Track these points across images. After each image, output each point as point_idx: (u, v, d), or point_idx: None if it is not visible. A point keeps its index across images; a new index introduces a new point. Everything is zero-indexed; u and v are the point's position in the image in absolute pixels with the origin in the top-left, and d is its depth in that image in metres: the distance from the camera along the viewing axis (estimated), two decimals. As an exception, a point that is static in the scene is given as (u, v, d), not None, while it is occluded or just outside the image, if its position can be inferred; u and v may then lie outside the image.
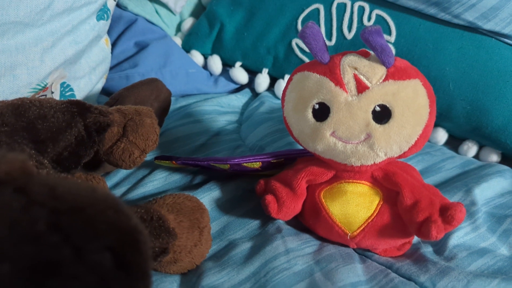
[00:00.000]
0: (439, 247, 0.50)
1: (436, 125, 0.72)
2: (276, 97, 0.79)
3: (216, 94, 0.78)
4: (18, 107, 0.44)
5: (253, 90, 0.81)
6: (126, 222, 0.25)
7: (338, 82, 0.44)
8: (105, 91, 0.69)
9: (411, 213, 0.45)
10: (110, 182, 0.56)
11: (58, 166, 0.44)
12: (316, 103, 0.45)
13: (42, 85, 0.53)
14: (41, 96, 0.54)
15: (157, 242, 0.40)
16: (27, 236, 0.21)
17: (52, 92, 0.55)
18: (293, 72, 0.49)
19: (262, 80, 0.79)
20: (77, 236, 0.22)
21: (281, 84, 0.79)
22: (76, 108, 0.46)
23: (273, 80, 0.80)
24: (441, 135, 0.73)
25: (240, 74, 0.80)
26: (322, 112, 0.45)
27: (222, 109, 0.74)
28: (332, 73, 0.45)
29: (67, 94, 0.57)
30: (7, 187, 0.24)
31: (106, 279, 0.21)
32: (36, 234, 0.21)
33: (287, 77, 0.77)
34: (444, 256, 0.49)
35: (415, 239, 0.51)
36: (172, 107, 0.73)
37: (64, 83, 0.56)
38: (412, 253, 0.50)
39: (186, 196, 0.46)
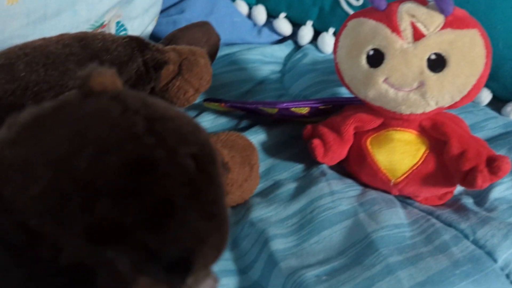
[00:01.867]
0: (480, 199, 0.51)
1: (480, 85, 0.71)
2: (320, 51, 0.79)
3: (259, 45, 0.79)
4: (83, 39, 0.46)
5: (295, 42, 0.81)
6: (204, 136, 0.27)
7: (395, 29, 0.45)
8: (152, 35, 0.70)
9: (457, 162, 0.46)
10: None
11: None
12: (371, 49, 0.46)
13: (100, 22, 0.55)
14: (100, 32, 0.55)
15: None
16: (127, 136, 0.23)
17: (109, 30, 0.56)
18: (347, 18, 0.49)
19: (306, 33, 0.79)
20: (169, 141, 0.24)
21: (324, 37, 0.78)
22: (136, 44, 0.48)
23: (317, 34, 0.80)
24: (485, 95, 0.73)
25: (283, 25, 0.80)
26: (376, 59, 0.46)
27: (266, 59, 0.74)
28: (388, 19, 0.45)
29: (122, 33, 0.58)
30: (102, 95, 0.25)
31: (193, 180, 0.23)
32: (135, 135, 0.23)
33: (331, 30, 0.77)
34: (485, 208, 0.50)
35: (457, 190, 0.52)
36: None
37: (119, 22, 0.58)
38: (453, 203, 0.51)
39: (237, 135, 0.48)
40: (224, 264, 0.41)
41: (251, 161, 0.46)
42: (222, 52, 0.75)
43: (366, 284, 0.36)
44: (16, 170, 0.22)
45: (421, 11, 0.45)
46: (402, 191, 0.50)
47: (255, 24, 0.81)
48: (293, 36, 0.81)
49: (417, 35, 0.44)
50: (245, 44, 0.78)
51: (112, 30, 0.57)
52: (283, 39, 0.82)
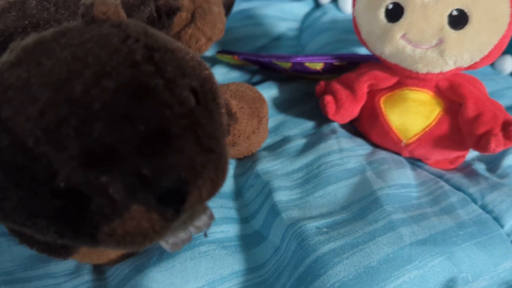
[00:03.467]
0: (493, 165, 0.50)
1: (504, 52, 0.69)
2: (340, 10, 0.76)
3: (278, 1, 0.77)
4: None
5: (315, 1, 0.79)
6: (206, 71, 0.26)
7: (417, -18, 0.43)
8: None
9: (472, 125, 0.45)
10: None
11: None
12: (390, 3, 0.44)
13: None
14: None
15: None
16: (126, 62, 0.22)
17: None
18: (368, -29, 0.47)
19: (327, -9, 0.77)
20: (168, 71, 0.23)
21: (346, -4, 0.76)
22: (149, -12, 0.47)
23: (338, -8, 0.77)
24: (508, 63, 0.70)
25: (304, -17, 0.77)
26: (395, 13, 0.44)
27: (283, 15, 0.73)
28: (411, -28, 0.43)
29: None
30: (104, 22, 0.25)
31: (191, 112, 0.23)
32: (134, 62, 0.23)
33: (353, -11, 0.74)
34: (497, 174, 0.49)
35: (469, 156, 0.51)
36: (233, 9, 0.72)
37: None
38: (464, 168, 0.50)
39: (248, 86, 0.47)
40: (226, 211, 0.41)
41: (260, 114, 0.46)
42: (239, 6, 0.73)
43: (366, 238, 0.35)
44: (15, 91, 0.22)
45: (446, -36, 0.43)
46: (413, 152, 0.49)
47: (275, -20, 0.79)
48: (314, -6, 0.79)
49: (440, -11, 0.42)
50: (263, 0, 0.76)
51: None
52: (303, -3, 0.80)
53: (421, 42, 0.43)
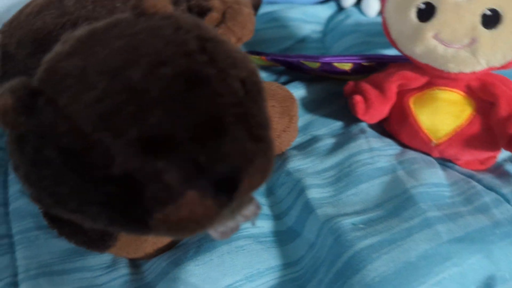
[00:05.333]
0: (525, 166, 0.50)
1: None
2: (363, 14, 0.77)
3: (301, 4, 0.77)
4: None
5: (338, 4, 0.79)
6: (253, 65, 0.27)
7: (449, -18, 0.43)
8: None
9: (504, 125, 0.44)
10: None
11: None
12: (422, 3, 0.44)
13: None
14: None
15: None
16: (180, 52, 0.23)
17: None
18: (399, -29, 0.48)
19: (350, -5, 0.77)
20: (220, 61, 0.24)
21: (369, 0, 0.76)
22: (182, -10, 0.48)
23: (361, -4, 0.77)
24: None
25: (327, -14, 0.78)
26: (427, 12, 0.44)
27: (307, 18, 0.73)
28: (443, -28, 0.43)
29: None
30: (154, 15, 0.25)
31: (242, 102, 0.23)
32: (188, 51, 0.23)
33: (376, -8, 0.75)
34: (529, 175, 0.48)
35: (500, 157, 0.51)
36: (258, 12, 0.73)
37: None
38: (495, 169, 0.49)
39: (278, 85, 0.48)
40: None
41: (290, 112, 0.46)
42: (263, 9, 0.74)
43: (403, 234, 0.35)
44: (72, 79, 0.23)
45: (479, -36, 0.43)
46: (443, 153, 0.49)
47: (298, -16, 0.79)
48: (337, -2, 0.80)
49: (473, -11, 0.42)
50: (287, 3, 0.77)
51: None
52: (325, 1, 0.80)
53: (453, 41, 0.43)
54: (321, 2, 0.80)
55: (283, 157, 0.47)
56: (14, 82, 0.24)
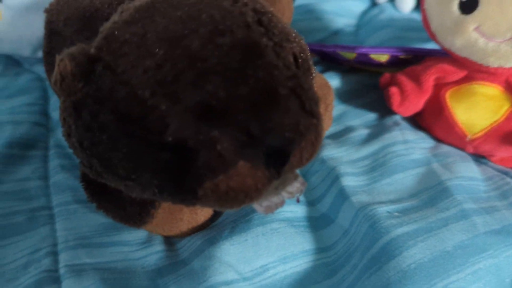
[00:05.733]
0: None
1: None
2: (396, 10, 0.76)
3: (335, -2, 0.77)
4: None
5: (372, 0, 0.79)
6: (303, 41, 0.27)
7: (494, -25, 0.42)
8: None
9: (543, 122, 0.44)
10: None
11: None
12: (465, -5, 0.44)
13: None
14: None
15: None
16: (238, 22, 0.23)
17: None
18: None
19: (384, -10, 0.76)
20: (276, 34, 0.24)
21: (403, -4, 0.75)
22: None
23: (395, -8, 0.77)
24: None
25: (362, -19, 0.78)
26: (469, 5, 0.44)
27: (341, 11, 0.73)
28: (488, -36, 0.43)
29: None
30: None
31: (296, 75, 0.24)
32: (246, 22, 0.23)
33: (411, -12, 0.74)
34: None
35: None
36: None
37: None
38: (531, 167, 0.49)
39: (317, 73, 0.48)
40: (294, 192, 0.41)
41: (326, 100, 0.46)
42: (298, 2, 0.74)
43: (439, 224, 0.35)
44: (131, 46, 0.23)
45: (526, -43, 0.42)
46: (478, 148, 0.48)
47: (332, -23, 0.79)
48: (371, -7, 0.79)
49: (518, -18, 0.42)
50: (321, -4, 0.77)
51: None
52: (359, -5, 0.80)
53: (495, 35, 0.43)
54: (355, -3, 0.80)
55: (317, 145, 0.47)
56: (73, 48, 0.24)
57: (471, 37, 0.44)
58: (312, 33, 0.66)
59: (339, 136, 0.49)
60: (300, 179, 0.27)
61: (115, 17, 0.26)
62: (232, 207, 0.24)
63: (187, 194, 0.24)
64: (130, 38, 0.23)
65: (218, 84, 0.22)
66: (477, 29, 0.43)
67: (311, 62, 0.27)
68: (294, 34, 0.26)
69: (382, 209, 0.37)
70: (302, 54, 0.25)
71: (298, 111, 0.23)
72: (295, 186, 0.26)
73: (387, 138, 0.47)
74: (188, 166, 0.23)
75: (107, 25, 0.25)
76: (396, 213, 0.36)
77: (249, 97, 0.22)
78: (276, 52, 0.23)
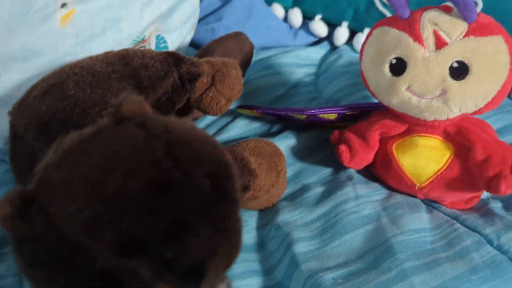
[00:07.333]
0: (509, 203, 0.51)
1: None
2: (355, 51, 0.80)
3: (295, 47, 0.81)
4: (124, 57, 0.50)
5: (331, 43, 0.82)
6: (221, 156, 0.30)
7: (417, 38, 0.46)
8: (192, 43, 0.75)
9: (481, 168, 0.46)
10: (198, 126, 0.62)
11: (156, 111, 0.50)
12: (394, 58, 0.47)
13: (141, 37, 0.60)
14: (141, 47, 0.60)
15: (241, 180, 0.46)
16: (148, 161, 0.27)
17: (150, 44, 0.61)
18: (373, 26, 0.51)
19: (341, 34, 0.80)
20: (186, 164, 0.27)
21: (360, 37, 0.79)
22: (172, 59, 0.52)
23: (352, 34, 0.81)
24: (526, 94, 0.71)
25: (319, 27, 0.81)
26: (399, 67, 0.47)
27: (300, 61, 0.77)
28: (411, 28, 0.46)
29: (161, 45, 0.63)
30: (130, 122, 0.29)
31: (206, 200, 0.27)
32: (156, 160, 0.27)
33: (366, 30, 0.78)
34: (513, 212, 0.50)
35: (484, 194, 0.52)
36: (253, 59, 0.77)
37: (159, 35, 0.62)
38: (480, 207, 0.51)
39: (266, 142, 0.51)
40: (249, 265, 0.44)
41: (278, 167, 0.49)
42: (258, 56, 0.78)
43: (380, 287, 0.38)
44: (59, 190, 0.27)
45: (444, 19, 0.46)
46: (427, 195, 0.51)
47: (291, 27, 0.83)
48: (329, 37, 0.83)
49: (439, 44, 0.45)
50: (282, 47, 0.81)
51: (153, 43, 0.62)
52: (319, 41, 0.84)
53: (425, 93, 0.46)
54: (315, 43, 0.83)
55: (274, 210, 0.50)
56: (12, 191, 0.28)
57: (405, 96, 0.47)
58: (271, 89, 0.69)
59: (295, 196, 0.51)
60: (226, 280, 0.30)
61: (48, 158, 0.29)
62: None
63: None
64: (58, 183, 0.27)
65: (131, 222, 0.25)
66: (408, 88, 0.47)
67: (229, 169, 0.30)
68: (210, 155, 0.29)
69: (328, 277, 0.39)
70: (216, 173, 0.28)
71: (209, 233, 0.26)
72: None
73: (340, 195, 0.50)
74: None
75: (41, 167, 0.29)
76: (340, 280, 0.39)
77: (161, 228, 0.25)
78: (186, 181, 0.27)
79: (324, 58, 0.79)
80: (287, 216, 0.49)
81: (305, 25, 0.83)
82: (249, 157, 0.48)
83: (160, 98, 0.50)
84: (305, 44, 0.83)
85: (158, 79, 0.50)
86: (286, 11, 0.85)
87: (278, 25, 0.81)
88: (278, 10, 0.84)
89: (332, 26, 0.82)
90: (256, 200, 0.49)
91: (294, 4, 0.83)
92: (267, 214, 0.50)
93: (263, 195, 0.49)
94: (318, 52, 0.80)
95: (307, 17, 0.83)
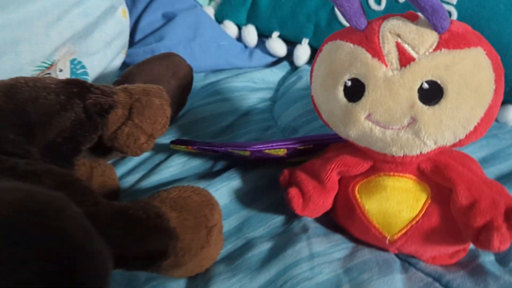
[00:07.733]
0: (504, 255, 0.41)
1: (505, 101, 0.60)
2: (317, 71, 0.70)
3: (250, 69, 0.71)
4: (10, 88, 0.40)
5: (292, 63, 0.73)
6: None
7: (376, 53, 0.35)
8: (127, 67, 0.64)
9: (467, 216, 0.36)
10: (124, 168, 0.51)
11: (51, 154, 0.39)
12: (348, 79, 0.37)
13: (48, 62, 0.49)
14: (45, 74, 0.49)
15: (153, 244, 0.35)
16: None
17: (61, 70, 0.50)
18: (324, 41, 0.41)
19: (302, 52, 0.71)
20: None
21: (323, 56, 0.70)
22: (76, 88, 0.41)
23: (314, 52, 0.71)
24: (513, 114, 0.62)
25: (277, 46, 0.72)
26: (355, 90, 0.36)
27: (255, 85, 0.67)
28: (369, 41, 0.36)
29: (79, 71, 0.52)
30: None
31: None
32: None
33: (329, 48, 0.68)
34: (510, 268, 0.39)
35: (472, 245, 0.42)
36: (200, 83, 0.67)
37: (74, 59, 0.51)
38: (468, 262, 0.41)
39: (194, 189, 0.40)
40: None
41: (208, 223, 0.38)
42: (206, 80, 0.68)
43: None
44: None
45: (409, 29, 0.36)
46: (402, 249, 0.40)
47: (246, 46, 0.74)
48: (289, 56, 0.73)
49: (404, 60, 0.35)
50: (235, 69, 0.71)
51: (67, 68, 0.51)
52: (278, 61, 0.74)
53: (390, 122, 0.36)
54: (274, 63, 0.74)
55: (206, 277, 0.39)
56: None
57: (365, 126, 0.37)
58: (218, 118, 0.59)
59: (236, 256, 0.41)
60: None
61: None
62: None
63: None
64: None
65: None
66: (368, 117, 0.36)
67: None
68: None
69: None
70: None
71: None
72: None
73: (290, 255, 0.39)
74: None
75: None
76: None
77: None
78: None
79: (283, 80, 0.70)
80: (222, 286, 0.37)
81: (261, 44, 0.74)
82: (168, 213, 0.36)
83: (55, 138, 0.39)
84: (262, 65, 0.73)
85: (51, 114, 0.39)
86: (240, 28, 0.75)
87: (230, 44, 0.71)
88: (230, 27, 0.74)
89: (292, 44, 0.73)
90: (181, 267, 0.37)
91: (248, 21, 0.74)
92: (197, 283, 0.39)
93: (190, 261, 0.37)
94: (276, 73, 0.70)
95: (263, 35, 0.74)
